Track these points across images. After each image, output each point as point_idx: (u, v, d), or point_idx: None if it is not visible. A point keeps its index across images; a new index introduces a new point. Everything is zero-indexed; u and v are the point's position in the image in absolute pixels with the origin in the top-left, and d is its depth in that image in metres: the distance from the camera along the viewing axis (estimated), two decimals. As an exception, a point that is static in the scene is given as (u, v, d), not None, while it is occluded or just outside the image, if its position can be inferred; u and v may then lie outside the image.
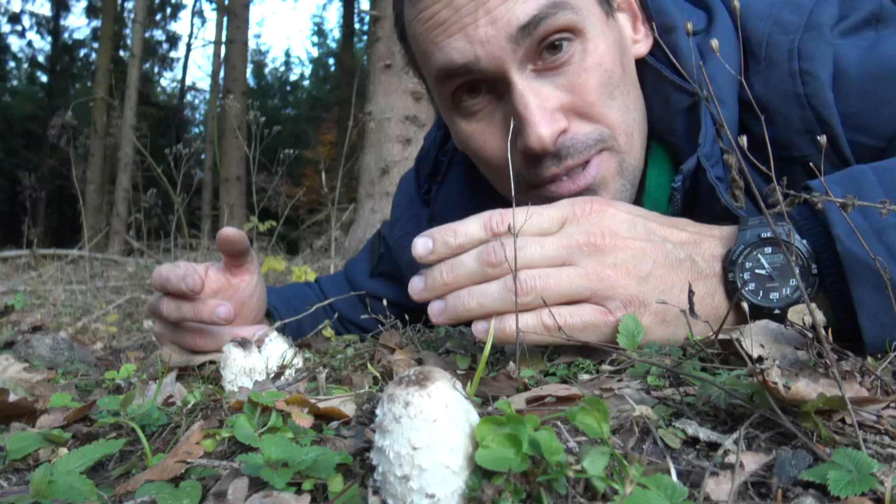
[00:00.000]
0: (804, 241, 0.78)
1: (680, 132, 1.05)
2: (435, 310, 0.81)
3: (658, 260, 0.80)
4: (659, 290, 0.79)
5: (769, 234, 0.78)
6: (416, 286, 0.83)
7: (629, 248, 0.79)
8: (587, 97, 0.99)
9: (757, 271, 0.79)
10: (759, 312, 0.78)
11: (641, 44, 1.10)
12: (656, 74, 1.07)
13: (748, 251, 0.79)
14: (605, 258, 0.78)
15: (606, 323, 0.78)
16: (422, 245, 0.82)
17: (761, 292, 0.79)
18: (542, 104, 0.96)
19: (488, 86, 1.02)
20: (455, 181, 1.32)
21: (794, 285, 0.78)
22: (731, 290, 0.80)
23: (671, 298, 0.79)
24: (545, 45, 0.97)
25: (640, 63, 1.10)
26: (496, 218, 0.81)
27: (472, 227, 0.81)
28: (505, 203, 1.26)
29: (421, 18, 1.00)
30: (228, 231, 1.12)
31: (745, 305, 0.78)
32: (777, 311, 0.78)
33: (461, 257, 0.80)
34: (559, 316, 0.77)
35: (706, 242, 0.83)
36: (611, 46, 1.01)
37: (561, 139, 0.99)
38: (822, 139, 0.68)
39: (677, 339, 0.79)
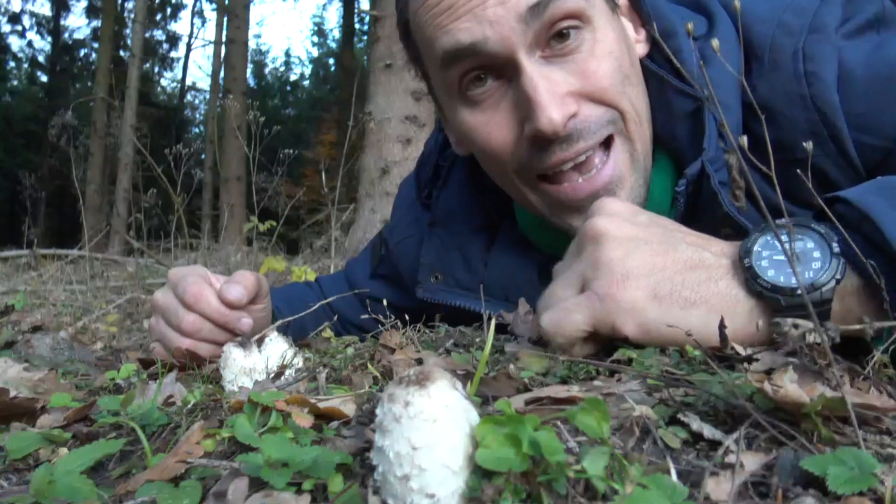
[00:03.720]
0: (821, 224, 0.74)
1: (683, 137, 1.05)
2: None
3: (652, 243, 0.80)
4: (648, 268, 0.78)
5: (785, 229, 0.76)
6: None
7: (623, 238, 0.81)
8: (599, 83, 0.99)
9: (775, 257, 0.75)
10: (779, 294, 0.73)
11: (641, 45, 1.11)
12: (658, 80, 1.07)
13: (763, 239, 0.76)
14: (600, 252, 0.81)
15: (593, 303, 0.78)
16: None
17: (782, 277, 0.74)
18: (551, 87, 0.96)
19: (495, 73, 1.01)
20: (456, 185, 1.31)
21: (816, 267, 0.73)
22: (748, 278, 0.76)
23: (662, 279, 0.77)
24: (553, 32, 0.97)
25: (643, 68, 1.10)
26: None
27: None
28: (507, 203, 1.25)
29: (427, 6, 1.00)
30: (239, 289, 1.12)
31: (758, 291, 0.74)
32: (798, 293, 0.72)
33: None
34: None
35: (714, 245, 0.81)
36: (619, 38, 1.02)
37: (571, 122, 0.98)
38: (809, 146, 0.66)
39: (675, 321, 0.75)
